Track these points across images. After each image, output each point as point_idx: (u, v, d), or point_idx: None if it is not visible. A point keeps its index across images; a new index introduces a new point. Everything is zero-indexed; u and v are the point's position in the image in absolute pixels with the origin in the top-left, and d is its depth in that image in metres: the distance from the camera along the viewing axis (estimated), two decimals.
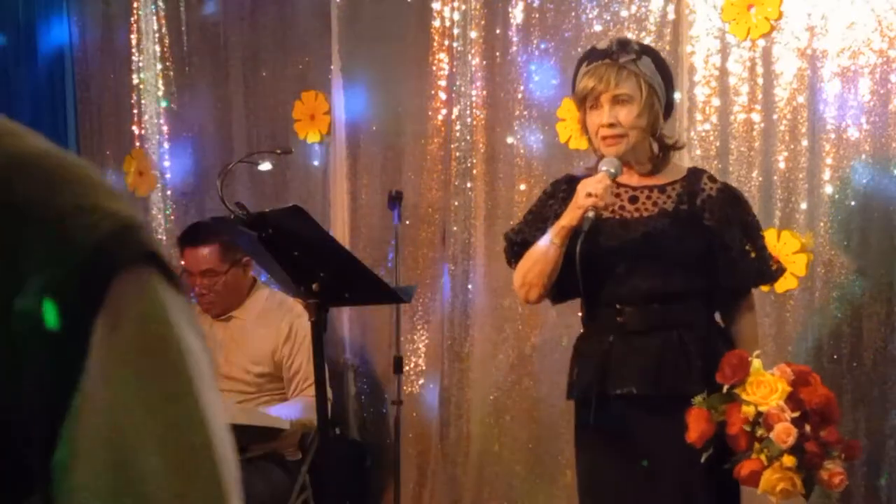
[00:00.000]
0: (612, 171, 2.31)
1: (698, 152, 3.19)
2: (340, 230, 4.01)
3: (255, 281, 3.49)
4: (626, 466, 2.34)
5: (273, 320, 3.35)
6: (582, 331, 2.52)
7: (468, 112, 3.71)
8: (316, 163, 4.11)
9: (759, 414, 2.10)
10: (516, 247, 2.48)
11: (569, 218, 2.31)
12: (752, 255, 2.40)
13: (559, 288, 2.44)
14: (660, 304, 2.33)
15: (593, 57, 2.38)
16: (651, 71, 2.35)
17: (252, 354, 3.33)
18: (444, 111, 3.78)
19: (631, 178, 2.43)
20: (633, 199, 2.40)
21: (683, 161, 2.88)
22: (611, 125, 2.32)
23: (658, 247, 2.33)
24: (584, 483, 2.47)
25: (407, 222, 3.82)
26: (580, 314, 2.54)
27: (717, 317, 2.50)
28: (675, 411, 2.24)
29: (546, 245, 2.34)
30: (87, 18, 4.64)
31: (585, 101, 2.37)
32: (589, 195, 2.26)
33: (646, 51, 2.40)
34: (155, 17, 4.45)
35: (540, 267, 2.36)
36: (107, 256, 0.62)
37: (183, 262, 3.43)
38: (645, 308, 2.34)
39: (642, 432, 2.33)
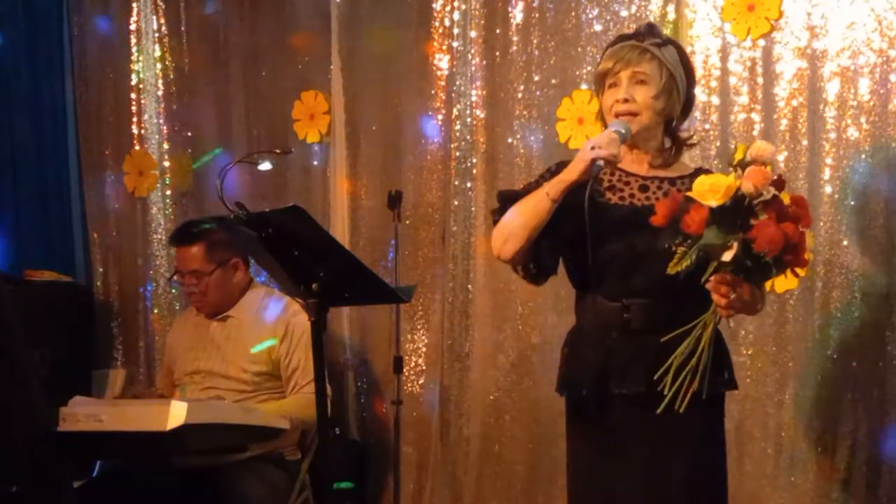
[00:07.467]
0: (622, 130, 2.24)
1: (698, 152, 3.18)
2: (340, 230, 4.01)
3: (251, 280, 3.50)
4: (625, 464, 2.30)
5: (269, 319, 3.36)
6: (575, 323, 2.44)
7: (468, 112, 3.71)
8: (316, 163, 4.10)
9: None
10: (508, 203, 2.35)
11: (570, 172, 2.22)
12: None
13: (538, 263, 2.35)
14: (666, 300, 2.23)
15: (619, 40, 2.39)
16: (674, 60, 2.35)
17: (249, 353, 3.33)
18: (444, 111, 3.78)
19: (640, 168, 2.37)
20: (644, 188, 2.34)
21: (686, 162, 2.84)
22: (626, 100, 2.30)
23: (669, 237, 2.16)
24: (578, 474, 2.42)
25: (407, 222, 3.82)
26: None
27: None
28: (678, 410, 2.18)
29: (539, 196, 2.25)
30: (87, 18, 4.63)
31: (605, 81, 2.36)
32: (593, 147, 2.17)
33: (672, 42, 2.40)
34: (155, 17, 4.45)
35: (526, 218, 2.25)
36: None
37: (175, 261, 3.48)
38: (652, 304, 2.26)
39: (644, 430, 2.28)
